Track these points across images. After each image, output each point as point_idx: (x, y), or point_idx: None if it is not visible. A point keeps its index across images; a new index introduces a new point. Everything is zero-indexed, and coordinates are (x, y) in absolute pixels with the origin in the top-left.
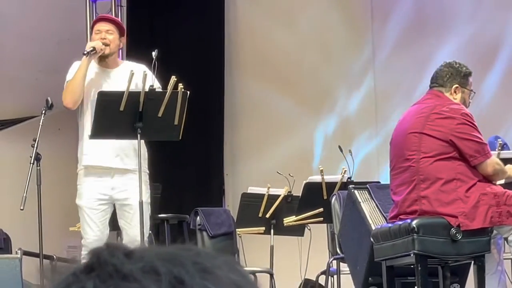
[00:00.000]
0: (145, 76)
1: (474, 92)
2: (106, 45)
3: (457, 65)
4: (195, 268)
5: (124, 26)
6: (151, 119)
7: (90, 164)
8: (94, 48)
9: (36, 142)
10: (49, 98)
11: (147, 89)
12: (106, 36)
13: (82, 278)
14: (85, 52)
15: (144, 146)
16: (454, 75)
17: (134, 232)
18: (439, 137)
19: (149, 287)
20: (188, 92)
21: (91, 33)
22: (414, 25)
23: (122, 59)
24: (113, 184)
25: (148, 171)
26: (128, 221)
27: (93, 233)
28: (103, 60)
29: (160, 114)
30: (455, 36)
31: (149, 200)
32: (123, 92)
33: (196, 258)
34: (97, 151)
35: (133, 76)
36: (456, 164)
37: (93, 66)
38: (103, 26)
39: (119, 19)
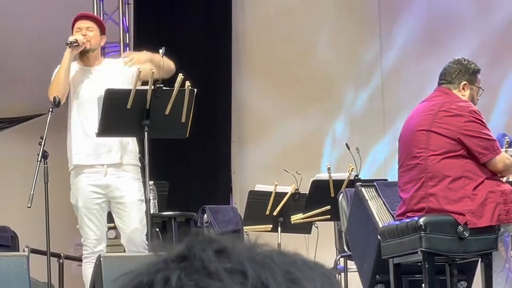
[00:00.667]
0: (139, 73)
1: (483, 89)
2: (87, 41)
3: (466, 62)
4: (284, 277)
5: (105, 24)
6: (158, 116)
7: (81, 163)
8: (76, 40)
9: (44, 140)
10: (56, 96)
11: (154, 86)
12: (87, 33)
13: (170, 267)
14: (68, 42)
15: (134, 141)
16: (463, 72)
17: (131, 230)
18: (447, 135)
19: None
20: (195, 90)
21: (72, 32)
22: (422, 24)
23: None
24: (107, 182)
25: (139, 164)
26: (124, 219)
27: (93, 233)
28: (84, 56)
29: (167, 112)
30: (463, 34)
31: (143, 197)
32: (130, 90)
33: (290, 267)
34: (87, 149)
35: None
36: (464, 162)
37: (75, 65)
38: (83, 23)
39: (100, 17)
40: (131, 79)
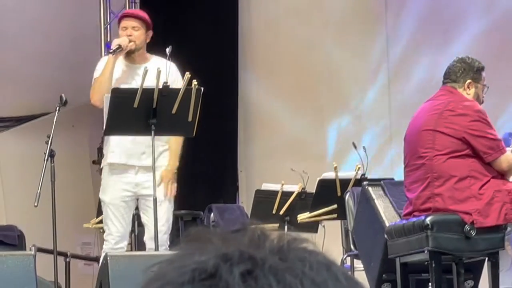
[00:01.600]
0: (158, 73)
1: (488, 87)
2: (132, 41)
3: (470, 60)
4: None
5: (149, 20)
6: (165, 115)
7: (115, 161)
8: (120, 46)
9: (50, 138)
10: (63, 95)
11: (161, 85)
12: (132, 33)
13: (195, 283)
14: (111, 51)
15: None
16: (467, 71)
17: (154, 227)
18: (453, 135)
19: None
20: (202, 89)
21: (118, 29)
22: (428, 19)
23: None
24: (137, 180)
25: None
26: (150, 215)
27: (116, 229)
28: (130, 55)
29: (174, 111)
30: (469, 28)
31: (172, 198)
32: (137, 89)
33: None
34: (123, 149)
35: (165, 72)
36: (470, 161)
37: (121, 62)
38: (129, 22)
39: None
40: (174, 84)
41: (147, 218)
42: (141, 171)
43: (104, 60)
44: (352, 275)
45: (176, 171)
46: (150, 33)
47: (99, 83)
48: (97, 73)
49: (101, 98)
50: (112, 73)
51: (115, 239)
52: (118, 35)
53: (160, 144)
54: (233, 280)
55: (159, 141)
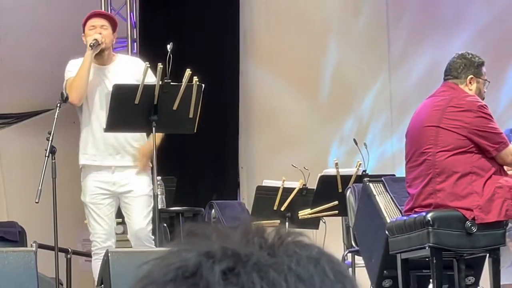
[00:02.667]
0: (146, 68)
1: (489, 82)
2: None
3: (470, 55)
4: None
5: (117, 21)
6: (166, 112)
7: (88, 163)
8: (97, 40)
9: (51, 135)
10: (64, 91)
11: (162, 82)
12: (102, 31)
13: (178, 282)
14: (91, 44)
15: (144, 138)
16: (468, 66)
17: (136, 224)
18: (456, 131)
19: None
20: (203, 85)
21: (83, 31)
22: (429, 19)
23: (136, 52)
24: (114, 179)
25: (151, 165)
26: (129, 213)
27: (101, 228)
28: (100, 56)
29: (175, 107)
30: (470, 23)
31: (151, 193)
32: (138, 85)
33: (302, 286)
34: (96, 150)
35: (134, 70)
36: (472, 157)
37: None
38: (97, 21)
39: (111, 13)
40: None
41: (128, 215)
42: (118, 170)
43: (74, 63)
44: (344, 269)
45: (155, 152)
46: (115, 34)
47: (77, 80)
48: (70, 74)
49: (80, 95)
50: (89, 70)
51: (101, 238)
52: (118, 31)
53: (135, 144)
54: (213, 278)
55: (133, 140)
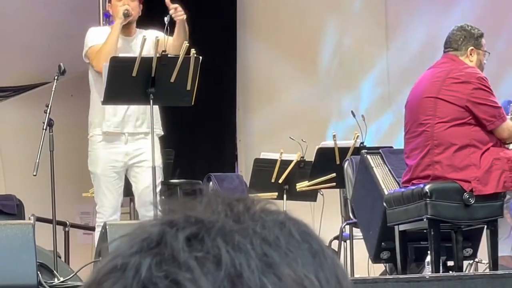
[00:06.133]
0: (157, 41)
1: (489, 53)
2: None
3: (469, 27)
4: (260, 262)
5: None
6: (163, 84)
7: (111, 130)
8: (128, 10)
9: (49, 108)
10: (61, 64)
11: (159, 54)
12: (129, 3)
13: (143, 252)
14: (124, 13)
15: (156, 108)
16: (468, 38)
17: (145, 194)
18: (455, 102)
19: (199, 279)
20: (201, 58)
21: (109, 1)
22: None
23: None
24: (127, 150)
25: (162, 133)
26: (139, 182)
27: (108, 201)
28: (126, 27)
29: (172, 80)
30: (464, 5)
31: (161, 165)
32: (135, 58)
33: (270, 248)
34: (117, 118)
35: (145, 42)
36: (471, 129)
37: None
38: None
39: None
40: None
41: (136, 185)
42: (131, 141)
43: (95, 30)
44: (311, 230)
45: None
46: (141, 6)
47: (106, 48)
48: (93, 41)
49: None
50: (118, 38)
51: (107, 211)
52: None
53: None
54: (177, 245)
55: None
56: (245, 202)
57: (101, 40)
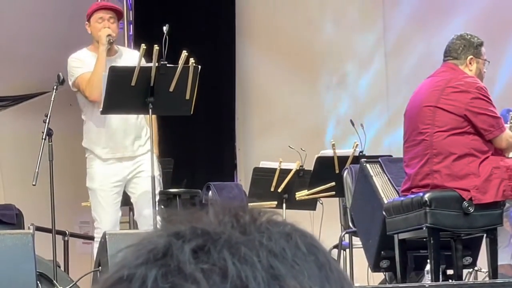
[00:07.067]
0: (143, 50)
1: (489, 62)
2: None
3: (469, 36)
4: (266, 274)
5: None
6: (162, 93)
7: (108, 157)
8: (111, 36)
9: (48, 117)
10: (60, 74)
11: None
12: (110, 25)
13: (150, 263)
14: (110, 41)
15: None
16: (468, 47)
17: (144, 205)
18: (454, 111)
19: None
20: (199, 67)
21: (87, 20)
22: (425, 1)
23: (132, 34)
24: (125, 165)
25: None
26: (137, 193)
27: (107, 216)
28: (108, 49)
29: (171, 89)
30: (466, 11)
31: (159, 177)
32: (134, 67)
33: (276, 259)
34: (113, 143)
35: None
36: (470, 139)
37: (93, 56)
38: (105, 13)
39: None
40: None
41: (135, 196)
42: (127, 160)
43: (77, 58)
44: (318, 242)
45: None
46: (119, 25)
47: (98, 77)
48: (79, 70)
49: (101, 92)
50: (105, 65)
51: (106, 226)
52: None
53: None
54: (184, 256)
55: (145, 128)
56: (251, 213)
57: (86, 67)
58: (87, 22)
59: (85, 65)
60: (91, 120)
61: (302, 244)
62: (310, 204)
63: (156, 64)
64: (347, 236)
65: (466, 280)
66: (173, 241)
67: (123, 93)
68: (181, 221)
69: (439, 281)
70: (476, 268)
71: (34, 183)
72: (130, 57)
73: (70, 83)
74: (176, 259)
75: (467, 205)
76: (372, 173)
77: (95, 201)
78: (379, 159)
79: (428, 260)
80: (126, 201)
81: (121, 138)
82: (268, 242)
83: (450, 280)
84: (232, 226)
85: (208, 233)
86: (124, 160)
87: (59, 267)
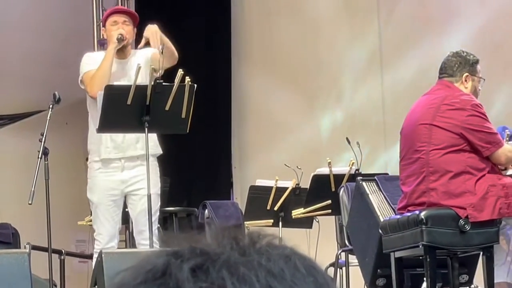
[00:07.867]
0: (138, 69)
1: (484, 79)
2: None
3: (464, 53)
4: None
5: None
6: (158, 112)
7: (110, 157)
8: (122, 35)
9: (44, 136)
10: (56, 93)
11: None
12: (124, 27)
13: (148, 283)
14: (118, 38)
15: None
16: (463, 64)
17: (142, 223)
18: (450, 129)
19: None
20: (195, 85)
21: (103, 25)
22: (421, 15)
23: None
24: (124, 178)
25: (161, 151)
26: (136, 210)
27: (106, 230)
28: (121, 50)
29: (167, 108)
30: (463, 25)
31: (159, 192)
32: (130, 86)
33: (275, 280)
34: (115, 143)
35: (148, 58)
36: (466, 156)
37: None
38: (119, 17)
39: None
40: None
41: (134, 213)
42: (128, 168)
43: (90, 55)
44: (316, 264)
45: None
46: (135, 30)
47: (103, 71)
48: (88, 67)
49: (102, 88)
50: (112, 63)
51: (105, 239)
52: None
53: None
54: (182, 275)
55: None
56: (251, 236)
57: (96, 66)
58: (103, 28)
59: (96, 63)
60: (94, 120)
61: (301, 265)
62: (306, 222)
63: (152, 83)
64: (343, 254)
65: None
66: (172, 260)
67: (119, 111)
68: (179, 242)
69: None
70: (472, 286)
71: (30, 202)
72: (144, 54)
73: (79, 79)
74: (175, 277)
75: (463, 223)
76: (368, 191)
77: (94, 213)
78: (375, 177)
79: (425, 278)
80: (123, 220)
81: (122, 137)
82: (267, 263)
83: None
84: (231, 248)
85: (207, 253)
86: (125, 160)
87: (55, 286)
